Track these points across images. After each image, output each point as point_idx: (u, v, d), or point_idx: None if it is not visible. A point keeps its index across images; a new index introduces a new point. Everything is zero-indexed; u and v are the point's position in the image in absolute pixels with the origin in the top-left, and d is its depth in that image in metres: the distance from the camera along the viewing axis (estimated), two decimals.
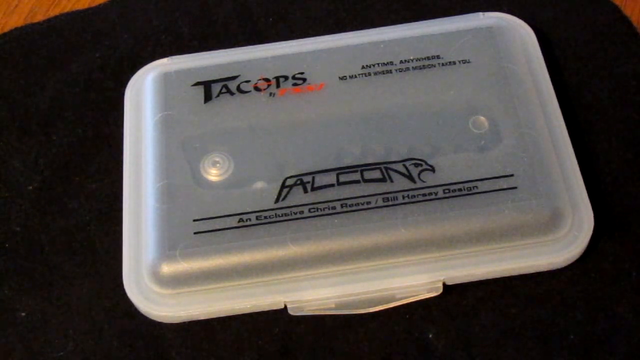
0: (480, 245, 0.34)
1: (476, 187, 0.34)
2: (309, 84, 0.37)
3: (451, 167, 0.34)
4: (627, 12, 0.41)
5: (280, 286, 0.34)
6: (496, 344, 0.34)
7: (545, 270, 0.34)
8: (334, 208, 0.34)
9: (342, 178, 0.35)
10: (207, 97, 0.37)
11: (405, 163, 0.35)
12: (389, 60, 0.38)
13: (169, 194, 0.35)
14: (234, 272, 0.33)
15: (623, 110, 0.38)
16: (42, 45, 0.43)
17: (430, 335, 0.34)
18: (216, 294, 0.34)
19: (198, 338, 0.35)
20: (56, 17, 0.44)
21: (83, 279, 0.36)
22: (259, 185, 0.35)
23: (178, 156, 0.36)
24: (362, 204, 0.34)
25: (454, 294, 0.35)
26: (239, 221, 0.34)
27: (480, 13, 0.39)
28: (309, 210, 0.34)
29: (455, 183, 0.34)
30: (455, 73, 0.37)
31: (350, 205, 0.34)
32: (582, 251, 0.34)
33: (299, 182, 0.35)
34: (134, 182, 0.36)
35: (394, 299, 0.33)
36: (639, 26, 0.41)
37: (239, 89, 0.38)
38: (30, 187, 0.39)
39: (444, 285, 0.34)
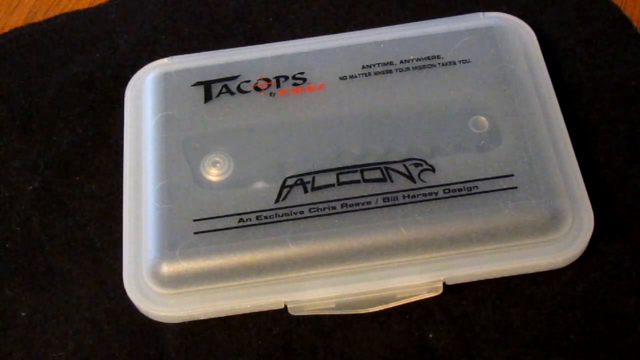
0: (480, 245, 0.34)
1: (476, 187, 0.34)
2: (309, 83, 0.37)
3: (451, 167, 0.34)
4: (627, 12, 0.41)
5: (280, 286, 0.34)
6: (496, 344, 0.34)
7: (545, 270, 0.34)
8: (334, 208, 0.34)
9: (343, 178, 0.35)
10: (207, 97, 0.37)
11: (405, 163, 0.35)
12: (389, 60, 0.38)
13: (169, 194, 0.35)
14: (234, 272, 0.33)
15: (623, 110, 0.38)
16: (42, 45, 0.43)
17: (430, 335, 0.34)
18: (216, 294, 0.34)
19: (198, 338, 0.35)
20: (56, 17, 0.44)
21: (83, 279, 0.36)
22: (259, 185, 0.35)
23: (178, 156, 0.36)
24: (362, 204, 0.34)
25: (454, 294, 0.35)
26: (239, 221, 0.34)
27: (481, 13, 0.39)
28: (309, 210, 0.34)
29: (455, 183, 0.34)
30: (455, 73, 0.37)
31: (351, 205, 0.34)
32: (582, 251, 0.34)
33: (299, 182, 0.35)
34: (134, 182, 0.36)
35: (394, 299, 0.33)
36: (639, 26, 0.41)
37: (239, 89, 0.38)
38: (30, 187, 0.39)
39: (444, 285, 0.34)
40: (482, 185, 0.34)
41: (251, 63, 0.38)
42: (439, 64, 0.37)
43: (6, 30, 0.44)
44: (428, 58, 0.37)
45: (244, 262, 0.33)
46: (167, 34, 0.43)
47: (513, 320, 0.34)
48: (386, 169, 0.35)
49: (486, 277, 0.34)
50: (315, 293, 0.34)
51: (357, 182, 0.35)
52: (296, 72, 0.38)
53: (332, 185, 0.35)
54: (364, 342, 0.34)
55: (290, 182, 0.35)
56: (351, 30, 0.41)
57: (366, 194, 0.34)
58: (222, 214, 0.34)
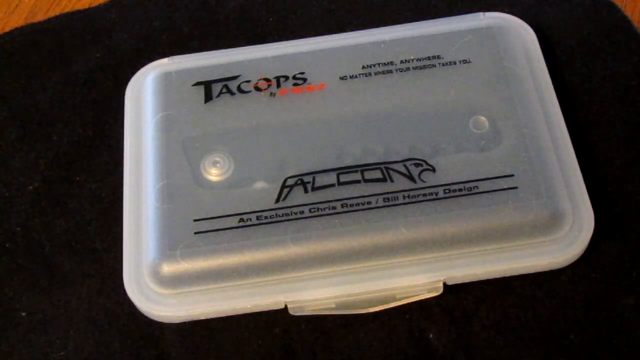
0: (480, 245, 0.34)
1: (477, 187, 0.34)
2: (309, 83, 0.37)
3: (452, 167, 0.35)
4: (627, 12, 0.42)
5: (280, 286, 0.34)
6: (496, 344, 0.34)
7: (546, 270, 0.34)
8: (334, 208, 0.34)
9: (343, 178, 0.35)
10: (208, 97, 0.37)
11: (405, 163, 0.35)
12: (389, 60, 0.38)
13: (169, 194, 0.35)
14: (235, 272, 0.33)
15: (623, 110, 0.38)
16: (42, 45, 0.43)
17: (431, 335, 0.34)
18: (216, 294, 0.34)
19: (198, 338, 0.35)
20: (56, 17, 0.44)
21: (83, 279, 0.36)
22: (260, 185, 0.35)
23: (178, 156, 0.36)
24: (363, 204, 0.34)
25: (454, 294, 0.35)
26: (239, 221, 0.34)
27: (481, 13, 0.39)
28: (310, 210, 0.34)
29: (455, 183, 0.34)
30: (455, 73, 0.37)
31: (351, 205, 0.34)
32: (583, 251, 0.34)
33: (299, 182, 0.35)
34: (134, 182, 0.36)
35: (394, 299, 0.33)
36: (639, 26, 0.41)
37: (239, 89, 0.38)
38: (30, 187, 0.39)
39: (444, 285, 0.34)
40: (483, 186, 0.34)
41: (251, 63, 0.38)
42: (439, 64, 0.37)
43: (6, 30, 0.44)
44: (428, 58, 0.37)
45: (244, 262, 0.33)
46: (167, 34, 0.43)
47: (513, 320, 0.34)
48: (386, 169, 0.35)
49: (486, 277, 0.34)
50: (316, 293, 0.34)
51: (358, 182, 0.35)
52: (296, 72, 0.38)
53: (333, 185, 0.35)
54: (364, 342, 0.34)
55: (290, 182, 0.35)
56: (351, 30, 0.41)
57: (366, 194, 0.34)
58: (222, 214, 0.34)
